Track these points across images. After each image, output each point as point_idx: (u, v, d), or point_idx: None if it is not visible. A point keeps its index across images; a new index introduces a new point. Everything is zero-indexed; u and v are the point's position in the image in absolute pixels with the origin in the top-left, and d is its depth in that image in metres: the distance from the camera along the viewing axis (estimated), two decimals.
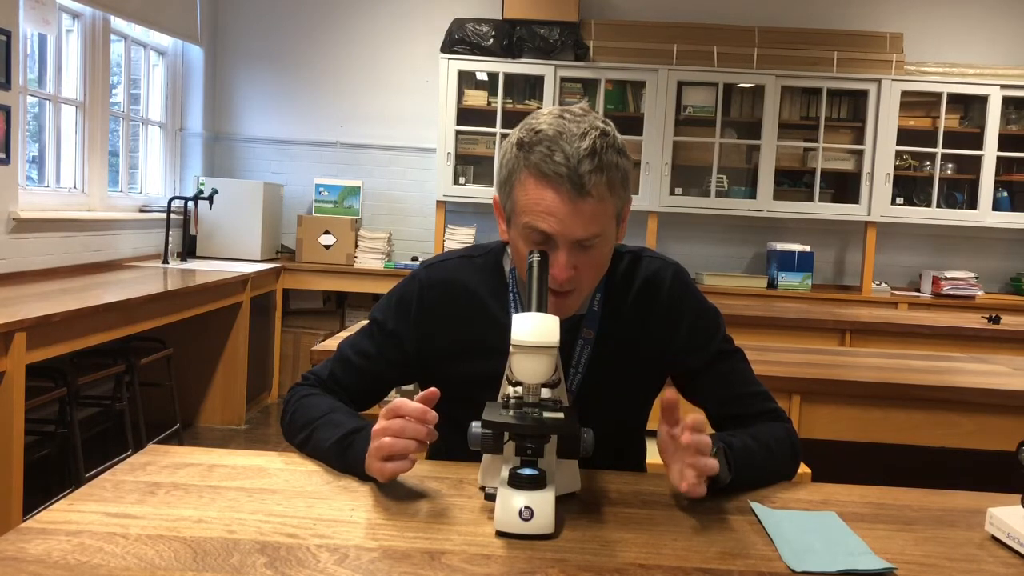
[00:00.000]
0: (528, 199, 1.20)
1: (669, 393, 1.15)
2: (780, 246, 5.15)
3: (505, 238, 1.32)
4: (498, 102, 5.02)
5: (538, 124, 1.21)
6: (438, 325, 1.37)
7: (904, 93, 4.98)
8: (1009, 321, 3.85)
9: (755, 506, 1.19)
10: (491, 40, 5.00)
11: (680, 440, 1.10)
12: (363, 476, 1.21)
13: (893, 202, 5.04)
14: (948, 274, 5.10)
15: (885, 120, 4.96)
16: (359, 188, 5.27)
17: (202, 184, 4.88)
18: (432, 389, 1.14)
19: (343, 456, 1.24)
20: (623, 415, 1.42)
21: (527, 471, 1.07)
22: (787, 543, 1.06)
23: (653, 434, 1.57)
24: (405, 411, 1.12)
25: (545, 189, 1.18)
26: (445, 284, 1.38)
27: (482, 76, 5.18)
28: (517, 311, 1.34)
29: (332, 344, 2.48)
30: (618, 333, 1.36)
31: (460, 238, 5.11)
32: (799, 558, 1.01)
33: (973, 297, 5.01)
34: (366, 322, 1.48)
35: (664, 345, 1.39)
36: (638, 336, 1.37)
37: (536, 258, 1.20)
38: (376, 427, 1.15)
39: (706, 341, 1.40)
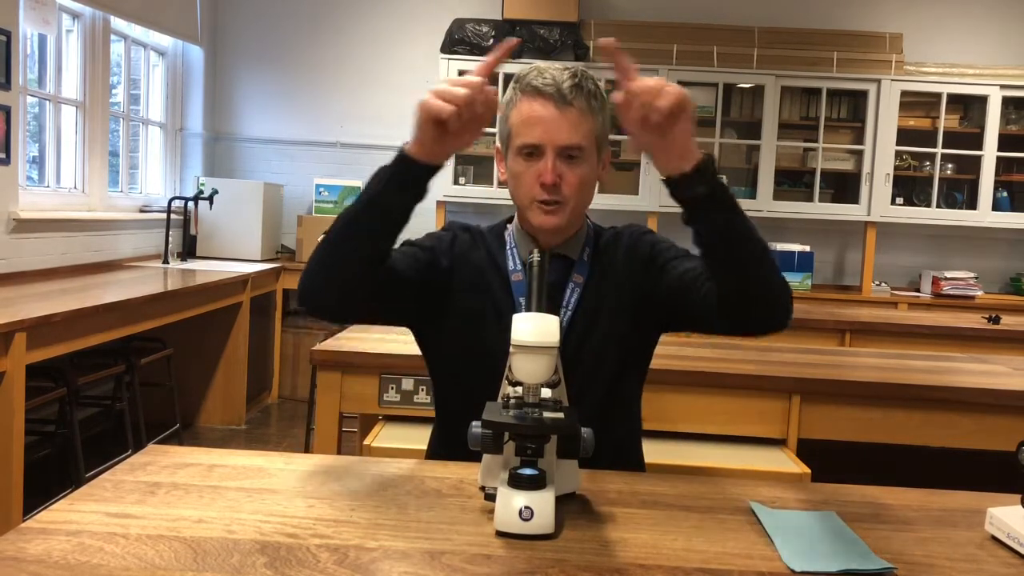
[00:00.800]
0: (520, 116, 1.40)
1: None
2: (780, 246, 5.15)
3: (504, 179, 1.47)
4: (498, 102, 5.01)
5: (529, 65, 1.46)
6: (461, 259, 1.50)
7: (904, 93, 4.98)
8: (1009, 321, 3.85)
9: (755, 506, 1.19)
10: (491, 40, 5.00)
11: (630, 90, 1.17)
12: (407, 164, 1.28)
13: (893, 202, 5.04)
14: (948, 274, 5.10)
15: (885, 120, 4.96)
16: (359, 188, 5.26)
17: (202, 184, 4.88)
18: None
19: (385, 170, 1.30)
20: (609, 356, 1.46)
21: (527, 471, 1.07)
22: (787, 543, 1.06)
23: (651, 434, 1.58)
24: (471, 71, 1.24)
25: (534, 101, 1.39)
26: (472, 233, 1.56)
27: None
28: (514, 261, 1.48)
29: (332, 344, 2.48)
30: (603, 281, 1.48)
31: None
32: (799, 558, 1.01)
33: (973, 297, 5.01)
34: None
35: (633, 282, 1.48)
36: (615, 281, 1.48)
37: (536, 258, 1.22)
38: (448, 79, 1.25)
39: (669, 253, 1.48)
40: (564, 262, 1.48)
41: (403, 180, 1.29)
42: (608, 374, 1.46)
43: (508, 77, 5.53)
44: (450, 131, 1.23)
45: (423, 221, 5.39)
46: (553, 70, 1.40)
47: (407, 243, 1.50)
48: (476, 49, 5.00)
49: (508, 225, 1.56)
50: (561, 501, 1.13)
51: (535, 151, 1.38)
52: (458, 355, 1.47)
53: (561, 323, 1.37)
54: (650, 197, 4.99)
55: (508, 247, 1.51)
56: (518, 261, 1.48)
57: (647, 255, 1.49)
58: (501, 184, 1.47)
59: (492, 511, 1.08)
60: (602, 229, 1.57)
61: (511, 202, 1.47)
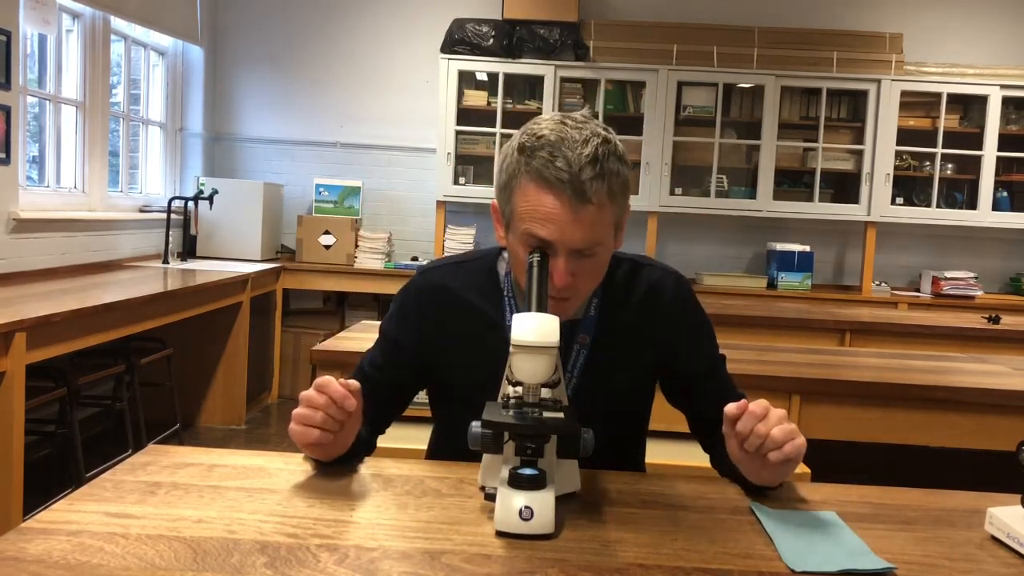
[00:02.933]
0: (528, 205, 1.20)
1: (730, 409, 1.18)
2: (780, 246, 5.15)
3: (503, 243, 1.33)
4: (498, 102, 5.02)
5: (540, 129, 1.21)
6: (436, 329, 1.39)
7: (904, 93, 4.98)
8: (1009, 321, 3.85)
9: (755, 506, 1.19)
10: (491, 40, 5.00)
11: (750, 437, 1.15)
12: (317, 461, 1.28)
13: (893, 202, 5.04)
14: (948, 274, 5.10)
15: (885, 120, 4.96)
16: (359, 188, 5.27)
17: (202, 184, 4.88)
18: (354, 382, 1.18)
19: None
20: (619, 420, 1.42)
21: (527, 471, 1.07)
22: (787, 543, 1.06)
23: (651, 434, 1.58)
24: (328, 392, 1.15)
25: (546, 195, 1.18)
26: (440, 290, 1.40)
27: (482, 76, 5.19)
28: (512, 312, 1.36)
29: (332, 344, 2.49)
30: (615, 339, 1.38)
31: (460, 238, 5.11)
32: (799, 558, 1.01)
33: (973, 297, 5.01)
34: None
35: (661, 349, 1.42)
36: (635, 342, 1.39)
37: (536, 258, 1.21)
38: (302, 394, 1.19)
39: (703, 348, 1.44)
40: (567, 324, 1.27)
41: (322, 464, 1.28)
42: (621, 426, 1.43)
43: (509, 79, 5.45)
44: (326, 442, 1.18)
45: (422, 222, 5.40)
46: (568, 148, 1.17)
47: (371, 361, 1.43)
48: (476, 49, 5.00)
49: (502, 259, 1.40)
50: (561, 501, 1.12)
51: (544, 246, 1.21)
52: (452, 415, 1.41)
53: (567, 391, 1.30)
54: (650, 197, 5.00)
55: (504, 296, 1.37)
56: (515, 312, 1.31)
57: (698, 345, 1.43)
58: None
59: (492, 511, 1.08)
60: (615, 261, 1.38)
61: None
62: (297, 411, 1.18)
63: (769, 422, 1.14)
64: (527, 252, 1.23)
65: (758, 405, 1.16)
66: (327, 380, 1.16)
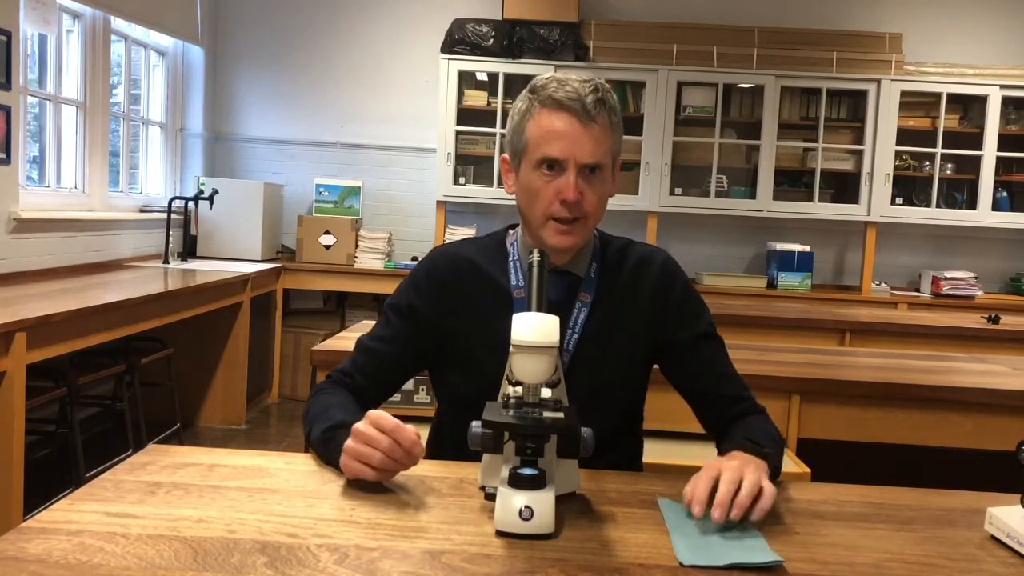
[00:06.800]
0: (541, 129, 1.35)
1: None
2: (780, 246, 5.15)
3: (511, 190, 1.43)
4: (498, 102, 5.02)
5: (544, 76, 1.40)
6: (446, 293, 1.45)
7: (903, 93, 4.98)
8: (1009, 321, 3.85)
9: (662, 501, 1.19)
10: (491, 40, 5.00)
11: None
12: (339, 468, 1.24)
13: (893, 202, 5.04)
14: (948, 274, 5.10)
15: (885, 120, 4.96)
16: (359, 188, 5.27)
17: (202, 184, 4.88)
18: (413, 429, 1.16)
19: (325, 447, 1.28)
20: (617, 383, 1.45)
21: (527, 471, 1.07)
22: (684, 537, 1.06)
23: (651, 434, 1.58)
24: (397, 437, 1.14)
25: (557, 116, 1.33)
26: (451, 257, 1.49)
27: (482, 76, 5.18)
28: (518, 276, 1.44)
29: (332, 344, 2.49)
30: (612, 300, 1.45)
31: (460, 238, 5.12)
32: (690, 552, 1.01)
33: (973, 297, 5.01)
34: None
35: (653, 317, 1.46)
36: (630, 306, 1.45)
37: (536, 258, 1.22)
38: (361, 429, 1.16)
39: (693, 320, 1.47)
40: (569, 279, 1.44)
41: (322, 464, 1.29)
42: (619, 397, 1.45)
43: (509, 79, 5.45)
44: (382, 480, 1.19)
45: (422, 222, 5.38)
46: (573, 82, 1.35)
47: (377, 336, 1.47)
48: (476, 49, 5.00)
49: (511, 232, 1.51)
50: (561, 501, 1.13)
51: (556, 165, 1.34)
52: (460, 383, 1.45)
53: (567, 345, 1.39)
54: (650, 197, 4.99)
55: (511, 259, 1.46)
56: (521, 276, 1.44)
57: (688, 315, 1.46)
58: (500, 185, 1.46)
59: (492, 511, 1.08)
60: (610, 238, 1.52)
61: (510, 201, 1.46)
62: (353, 446, 1.16)
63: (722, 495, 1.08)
64: (541, 179, 1.35)
65: (699, 484, 1.11)
66: (395, 424, 1.14)
